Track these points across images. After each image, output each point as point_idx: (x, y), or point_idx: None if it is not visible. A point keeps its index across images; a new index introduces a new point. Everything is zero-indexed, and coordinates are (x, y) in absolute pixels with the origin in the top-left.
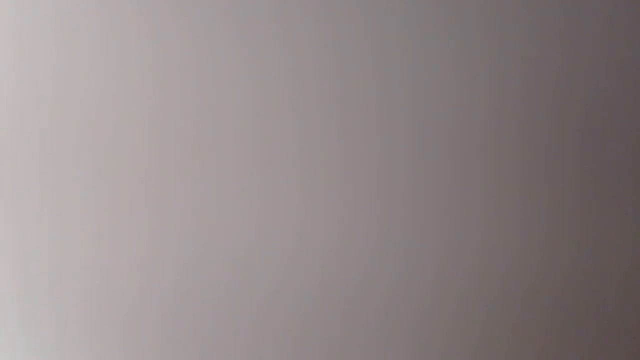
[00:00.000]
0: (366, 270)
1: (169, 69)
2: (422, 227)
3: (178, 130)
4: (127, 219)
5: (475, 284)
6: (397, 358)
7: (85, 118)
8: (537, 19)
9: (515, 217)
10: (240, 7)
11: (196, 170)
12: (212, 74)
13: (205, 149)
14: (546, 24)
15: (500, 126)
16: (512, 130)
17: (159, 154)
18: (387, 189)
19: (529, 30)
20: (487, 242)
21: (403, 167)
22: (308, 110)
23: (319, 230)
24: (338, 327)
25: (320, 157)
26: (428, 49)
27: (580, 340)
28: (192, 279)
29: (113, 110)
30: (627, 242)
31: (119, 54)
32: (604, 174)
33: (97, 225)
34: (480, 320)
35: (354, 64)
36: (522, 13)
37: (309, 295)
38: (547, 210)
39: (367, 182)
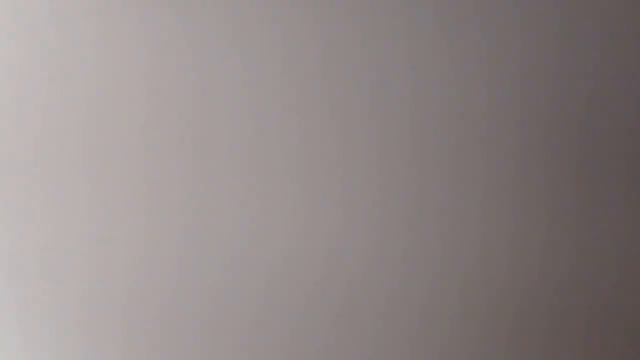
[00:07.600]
0: (364, 272)
1: (165, 70)
2: (420, 228)
3: (175, 131)
4: (123, 219)
5: (474, 286)
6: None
7: (80, 119)
8: (534, 19)
9: (514, 219)
10: (236, 7)
11: (193, 170)
12: (208, 74)
13: (201, 149)
14: (543, 23)
15: (498, 127)
16: (509, 132)
17: (155, 154)
18: (384, 190)
19: (527, 30)
20: (486, 243)
21: (401, 169)
22: (305, 110)
23: (316, 232)
24: (336, 328)
25: (317, 158)
26: (426, 49)
27: (580, 341)
28: (188, 279)
29: (108, 111)
30: (625, 241)
31: (114, 55)
32: (601, 174)
33: (94, 227)
34: (480, 322)
35: (352, 63)
36: (519, 12)
37: (306, 297)
38: (546, 211)
39: (365, 184)
